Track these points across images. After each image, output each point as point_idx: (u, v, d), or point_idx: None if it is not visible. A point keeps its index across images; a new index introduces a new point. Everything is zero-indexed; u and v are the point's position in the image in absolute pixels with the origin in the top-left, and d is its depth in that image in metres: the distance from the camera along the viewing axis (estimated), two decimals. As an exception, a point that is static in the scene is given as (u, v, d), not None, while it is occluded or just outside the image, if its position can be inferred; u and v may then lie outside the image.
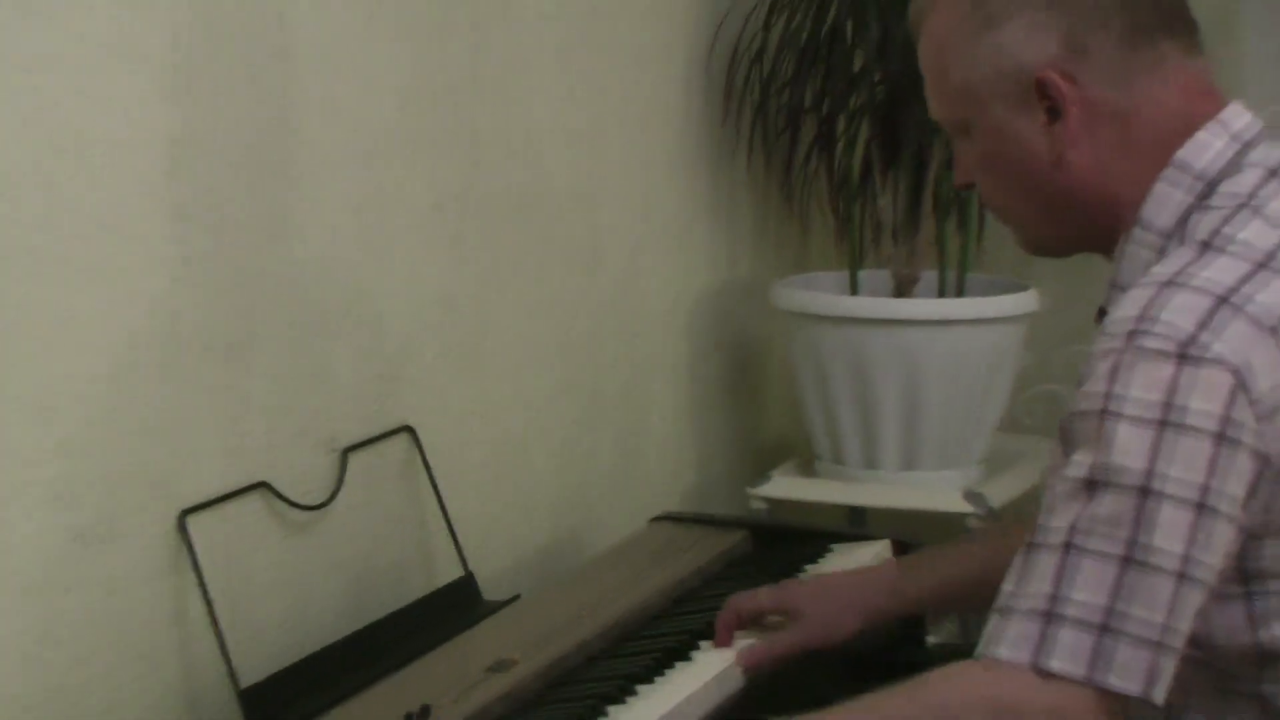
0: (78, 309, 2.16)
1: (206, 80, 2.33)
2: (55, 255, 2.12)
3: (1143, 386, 1.78)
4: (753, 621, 2.42)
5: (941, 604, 2.46)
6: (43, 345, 2.12)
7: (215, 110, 2.35)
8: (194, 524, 2.31)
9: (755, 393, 3.88)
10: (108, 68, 2.18)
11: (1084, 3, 1.94)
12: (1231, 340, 1.78)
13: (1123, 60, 1.94)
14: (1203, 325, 1.79)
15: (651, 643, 2.43)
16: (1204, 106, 1.96)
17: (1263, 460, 1.78)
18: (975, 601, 2.37)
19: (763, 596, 2.42)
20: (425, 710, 2.14)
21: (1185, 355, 1.77)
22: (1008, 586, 1.82)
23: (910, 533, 2.91)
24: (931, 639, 2.71)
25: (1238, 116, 1.96)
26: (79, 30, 2.13)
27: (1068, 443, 1.85)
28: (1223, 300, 1.80)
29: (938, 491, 3.47)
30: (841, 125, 3.62)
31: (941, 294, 3.58)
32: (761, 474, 3.63)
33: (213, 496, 2.36)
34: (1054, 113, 1.95)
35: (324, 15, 2.53)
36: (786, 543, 2.85)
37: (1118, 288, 1.96)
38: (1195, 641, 1.84)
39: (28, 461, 2.10)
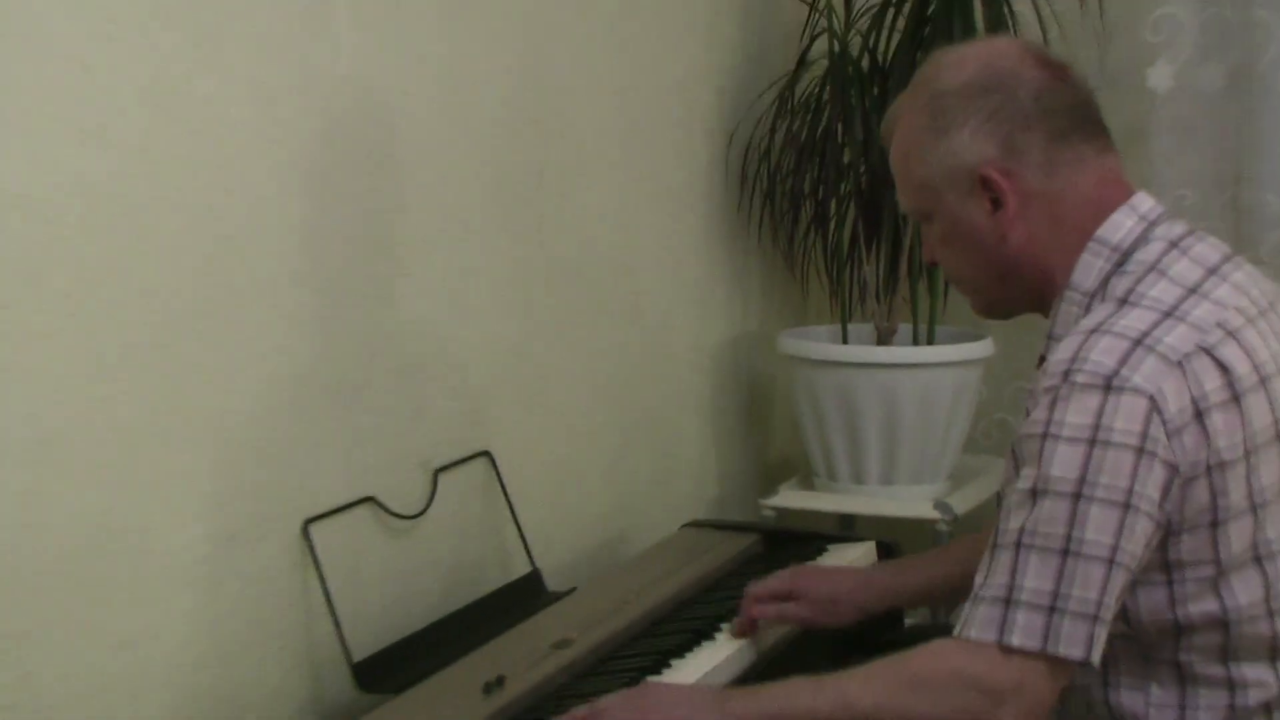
0: (226, 359, 2.18)
1: (330, 176, 2.35)
2: (213, 318, 2.15)
3: (1076, 413, 1.80)
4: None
5: (922, 600, 2.45)
6: (200, 387, 2.14)
7: (335, 200, 2.37)
8: (316, 530, 2.33)
9: (764, 422, 3.87)
10: (249, 168, 2.21)
11: (1015, 114, 1.94)
12: (1146, 373, 1.80)
13: (1048, 158, 1.95)
14: (1123, 362, 1.81)
15: (683, 624, 2.43)
16: (1116, 194, 1.97)
17: (1173, 469, 1.80)
18: (949, 597, 2.38)
19: (774, 582, 2.39)
20: (501, 679, 2.15)
21: (1110, 386, 1.79)
22: (978, 579, 1.84)
23: (890, 535, 2.90)
24: (908, 620, 2.71)
25: (1144, 201, 1.97)
26: (225, 137, 2.16)
27: (1017, 461, 1.87)
28: (1138, 342, 1.82)
29: (912, 501, 3.44)
30: (833, 208, 3.60)
31: (915, 342, 3.56)
32: (770, 487, 3.61)
33: (331, 508, 2.37)
34: (996, 202, 1.96)
35: (422, 125, 2.55)
36: (791, 543, 2.84)
37: (1054, 339, 1.97)
38: (1125, 619, 1.87)
39: (188, 478, 2.13)
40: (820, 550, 2.79)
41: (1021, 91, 1.96)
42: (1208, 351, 1.84)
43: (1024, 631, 1.78)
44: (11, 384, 1.88)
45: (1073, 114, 1.97)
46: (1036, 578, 1.79)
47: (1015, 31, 3.43)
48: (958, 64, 2.00)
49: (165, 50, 2.06)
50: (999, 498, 1.95)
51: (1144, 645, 1.90)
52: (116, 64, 1.99)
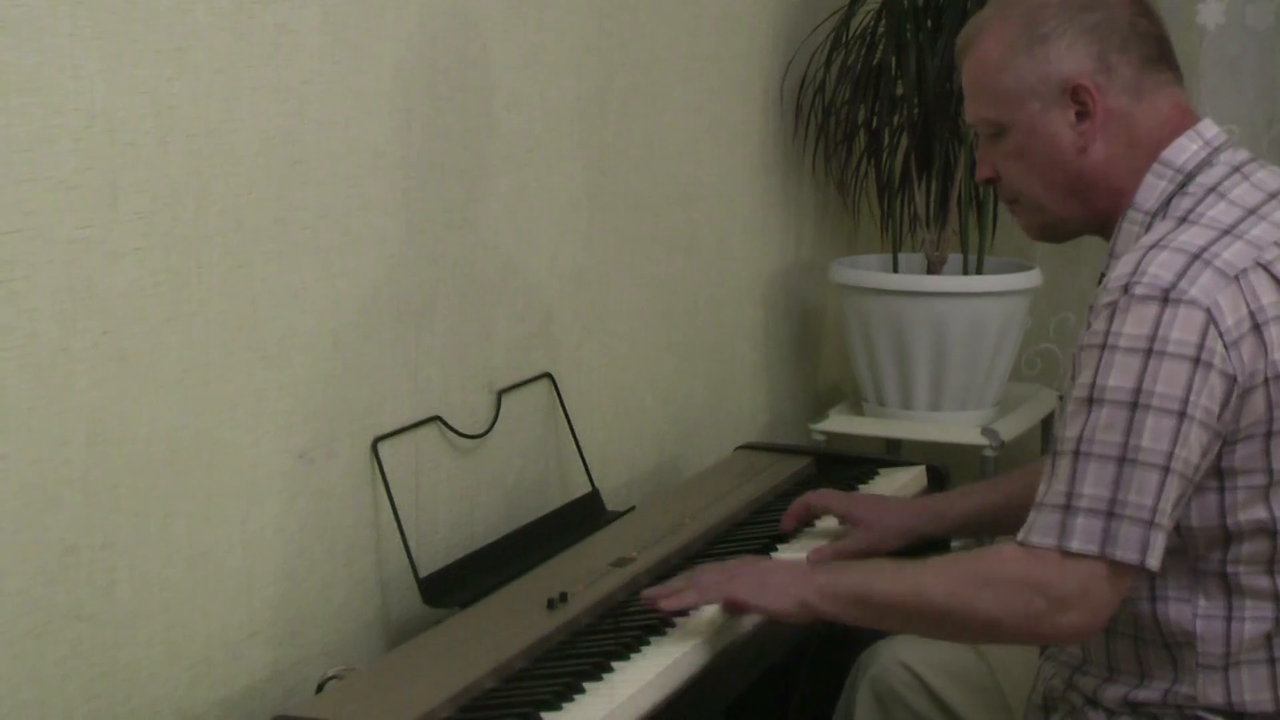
0: (302, 281, 2.17)
1: (400, 103, 2.34)
2: (287, 240, 2.14)
3: (1134, 324, 1.81)
4: (815, 518, 2.46)
5: (970, 528, 2.45)
6: (277, 309, 2.13)
7: (405, 126, 2.35)
8: (384, 448, 2.32)
9: (816, 349, 3.86)
10: (323, 92, 2.19)
11: (1112, 33, 1.95)
12: (1203, 286, 1.81)
13: (1136, 79, 1.95)
14: (1180, 275, 1.81)
15: (739, 545, 2.43)
16: (1184, 120, 1.97)
17: (1230, 380, 1.80)
18: (996, 527, 2.38)
19: (834, 501, 2.43)
20: (563, 595, 2.15)
21: (1167, 299, 1.80)
22: (1041, 487, 1.85)
23: (937, 460, 2.90)
24: (955, 544, 2.70)
25: (1209, 128, 1.98)
26: (299, 62, 2.14)
27: (1075, 370, 1.88)
28: (1196, 257, 1.83)
29: (959, 427, 3.45)
30: (886, 139, 3.58)
31: (964, 272, 3.54)
32: (821, 412, 3.61)
33: (399, 427, 2.36)
34: (1082, 114, 1.96)
35: (492, 54, 2.53)
36: (842, 467, 2.83)
37: (1114, 257, 1.97)
38: (1175, 528, 1.87)
39: (265, 398, 2.12)
40: (872, 474, 2.80)
41: (1118, 13, 1.97)
42: (1265, 267, 1.85)
43: (1083, 536, 1.80)
44: (88, 302, 1.86)
45: (1159, 43, 1.99)
46: (1094, 484, 1.80)
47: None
48: None
49: (242, -25, 2.04)
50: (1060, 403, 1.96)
51: (1192, 556, 1.90)
52: (195, -13, 1.97)
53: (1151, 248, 1.85)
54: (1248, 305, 1.81)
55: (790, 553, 2.38)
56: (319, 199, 2.19)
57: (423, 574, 2.31)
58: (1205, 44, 3.68)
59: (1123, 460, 1.79)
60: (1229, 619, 1.89)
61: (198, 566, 2.03)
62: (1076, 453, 1.82)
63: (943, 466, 2.83)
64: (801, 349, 3.78)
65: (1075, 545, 1.80)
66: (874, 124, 3.56)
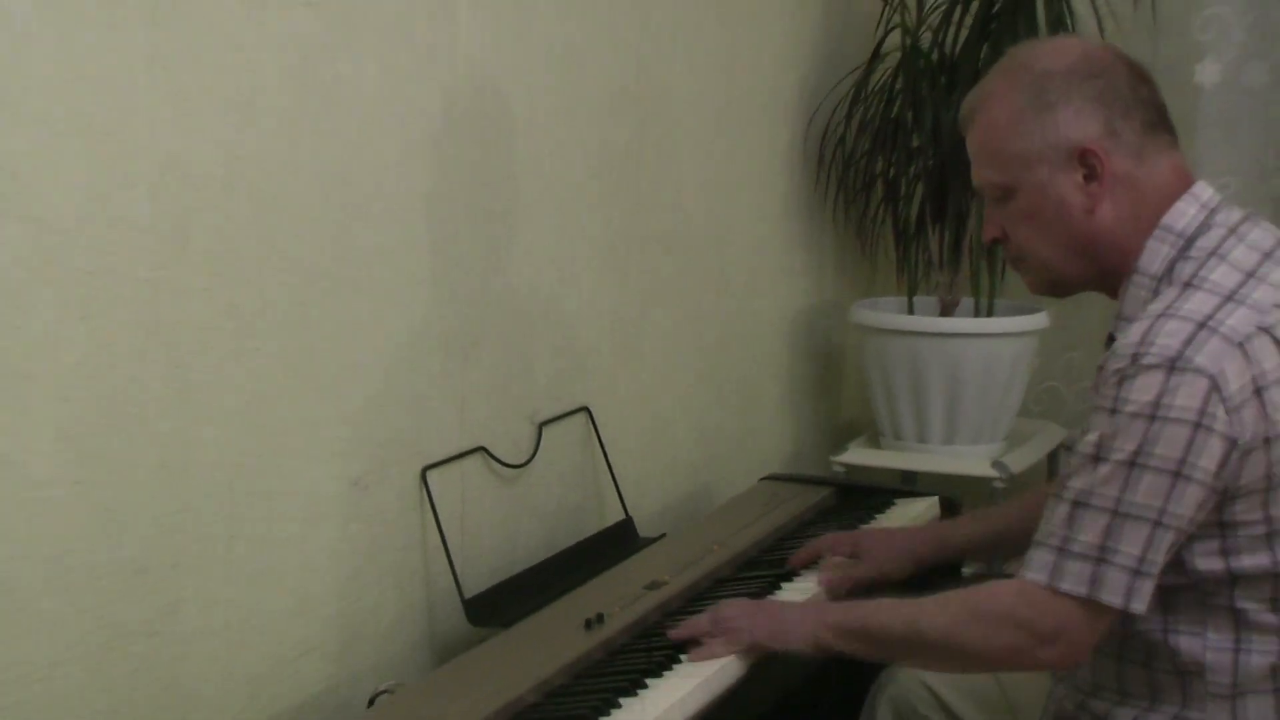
0: (357, 318, 2.18)
1: (449, 150, 2.34)
2: (343, 279, 2.15)
3: (1140, 390, 1.80)
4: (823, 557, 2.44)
5: (971, 550, 2.45)
6: (333, 344, 2.14)
7: (453, 172, 2.36)
8: (432, 477, 2.33)
9: (837, 385, 3.85)
10: (377, 141, 2.20)
11: (1116, 100, 1.92)
12: (1209, 354, 1.79)
13: (1139, 143, 1.93)
14: (1187, 343, 1.80)
15: (766, 569, 2.42)
16: (1182, 183, 1.95)
17: (1231, 442, 1.79)
18: (999, 552, 2.39)
19: (842, 542, 2.42)
20: (600, 617, 2.15)
21: (1174, 367, 1.79)
22: (1041, 528, 1.87)
23: (951, 490, 2.88)
24: (966, 570, 2.70)
25: (1204, 190, 1.95)
26: (356, 113, 2.15)
27: (1087, 426, 1.87)
28: (1201, 325, 1.81)
29: (971, 460, 3.44)
30: (903, 188, 3.58)
31: (976, 314, 3.54)
32: (841, 445, 3.60)
33: (446, 456, 2.37)
34: (1089, 177, 1.93)
35: (534, 104, 2.54)
36: (860, 497, 2.83)
37: (1123, 319, 1.95)
38: (1182, 569, 1.87)
39: (321, 428, 2.13)
40: (888, 504, 2.78)
41: (1119, 81, 1.94)
42: (1267, 331, 1.84)
43: (1073, 578, 1.83)
44: (158, 337, 1.87)
45: (1157, 109, 1.97)
46: (1088, 533, 1.82)
47: (1073, 26, 3.40)
48: (1059, 50, 1.98)
49: (306, 32, 2.05)
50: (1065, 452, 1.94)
51: (1202, 593, 1.89)
52: (263, 43, 1.98)
53: (1159, 316, 1.84)
54: (1251, 371, 1.80)
55: (804, 581, 2.37)
56: (372, 240, 2.20)
57: (468, 595, 2.31)
58: (1202, 102, 3.67)
59: (1115, 513, 1.81)
60: (1237, 650, 1.88)
61: (257, 587, 2.04)
62: (1076, 502, 1.83)
63: (955, 497, 2.82)
64: (823, 385, 3.78)
65: (1066, 585, 1.83)
66: (891, 174, 3.57)
